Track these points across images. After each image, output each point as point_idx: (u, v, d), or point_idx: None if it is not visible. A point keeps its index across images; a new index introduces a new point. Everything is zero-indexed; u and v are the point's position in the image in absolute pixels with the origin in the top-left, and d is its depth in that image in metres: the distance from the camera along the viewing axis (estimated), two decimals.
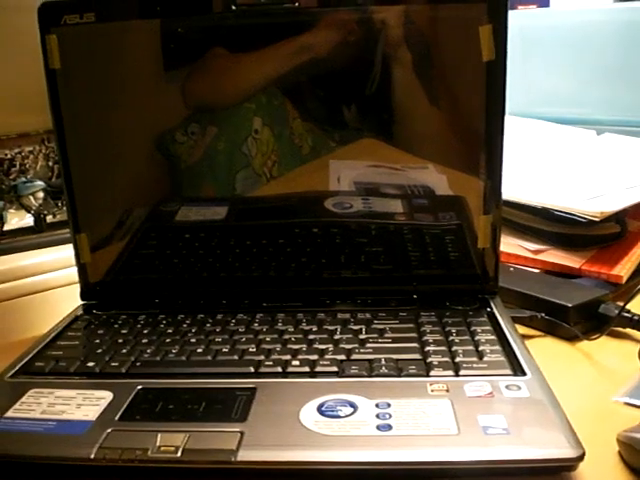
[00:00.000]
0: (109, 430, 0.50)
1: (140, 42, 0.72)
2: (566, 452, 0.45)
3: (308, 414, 0.50)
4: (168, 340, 0.64)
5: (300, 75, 0.71)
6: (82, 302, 0.75)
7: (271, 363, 0.59)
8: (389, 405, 0.51)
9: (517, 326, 0.67)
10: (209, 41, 0.71)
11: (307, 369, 0.58)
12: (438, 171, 0.71)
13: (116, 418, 0.52)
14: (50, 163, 0.97)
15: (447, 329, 0.64)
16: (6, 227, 0.90)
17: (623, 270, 0.79)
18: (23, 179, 0.93)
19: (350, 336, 0.63)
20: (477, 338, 0.62)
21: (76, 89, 0.72)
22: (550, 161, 0.93)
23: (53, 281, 0.82)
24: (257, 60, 0.71)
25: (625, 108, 1.01)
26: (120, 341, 0.65)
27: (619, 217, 0.84)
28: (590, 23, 1.04)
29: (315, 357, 0.59)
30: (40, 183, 0.93)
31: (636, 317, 0.70)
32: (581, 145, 0.96)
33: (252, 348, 0.62)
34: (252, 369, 0.58)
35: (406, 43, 0.68)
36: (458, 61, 0.70)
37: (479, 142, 0.68)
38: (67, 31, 0.70)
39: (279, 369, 0.58)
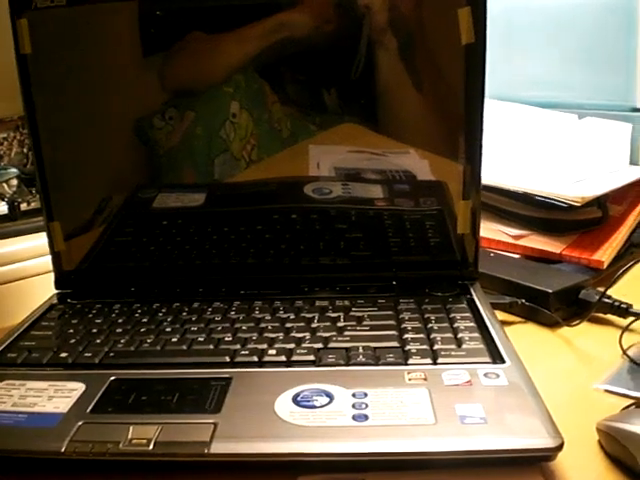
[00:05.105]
0: (80, 423, 0.49)
1: (114, 25, 0.71)
2: (544, 442, 0.45)
3: (283, 404, 0.50)
4: (143, 330, 0.63)
5: (278, 58, 0.70)
6: (56, 291, 0.74)
7: (247, 352, 0.58)
8: (366, 395, 0.50)
9: (497, 312, 0.67)
10: (186, 22, 0.69)
11: (283, 358, 0.57)
12: (418, 156, 0.70)
13: (88, 410, 0.51)
14: (25, 150, 0.96)
15: (426, 316, 0.63)
16: None
17: (604, 255, 0.79)
18: None
19: (328, 324, 0.62)
20: (456, 325, 0.61)
21: (48, 74, 0.70)
22: (531, 145, 0.92)
23: (28, 270, 0.81)
24: (235, 41, 0.70)
25: (607, 92, 1.00)
26: (94, 331, 0.64)
27: (600, 202, 0.84)
28: (573, 6, 1.03)
29: (292, 346, 0.59)
30: (14, 170, 0.91)
31: (617, 303, 0.69)
32: (562, 129, 0.95)
33: (228, 337, 0.61)
34: (227, 359, 0.57)
35: (386, 26, 0.67)
36: (438, 45, 0.69)
37: (459, 126, 0.68)
38: (38, 15, 0.69)
39: (255, 358, 0.57)
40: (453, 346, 0.57)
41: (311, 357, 0.57)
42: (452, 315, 0.63)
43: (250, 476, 0.47)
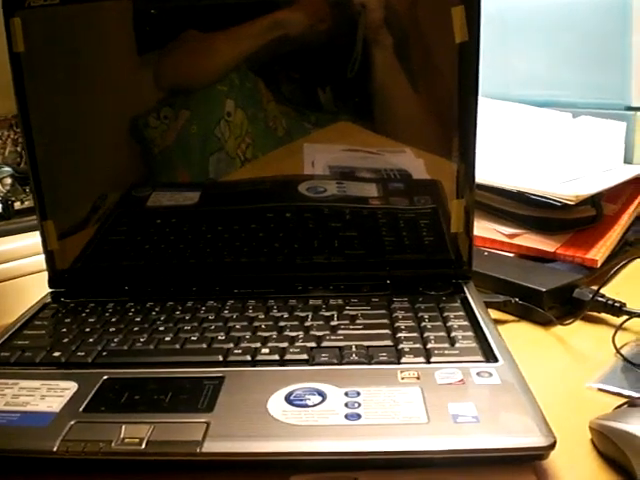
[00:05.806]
0: (73, 422, 0.49)
1: (108, 23, 0.71)
2: (537, 441, 0.45)
3: (276, 404, 0.50)
4: (136, 329, 0.63)
5: (274, 56, 0.70)
6: (50, 290, 0.74)
7: (240, 351, 0.58)
8: (358, 394, 0.50)
9: (491, 311, 0.67)
10: (181, 21, 0.69)
11: (277, 357, 0.57)
12: (413, 155, 0.70)
13: (80, 409, 0.51)
14: (19, 148, 0.96)
15: (419, 315, 0.63)
16: None
17: (598, 254, 0.79)
18: None
19: (321, 323, 0.62)
20: (449, 324, 0.61)
21: (42, 73, 0.70)
22: (525, 144, 0.92)
23: (21, 268, 0.81)
24: (230, 40, 0.69)
25: (601, 91, 1.01)
26: (87, 330, 0.64)
27: (595, 200, 0.84)
28: (568, 5, 1.03)
29: (285, 345, 0.59)
30: (7, 169, 0.91)
31: (610, 301, 0.69)
32: (557, 128, 0.95)
33: (221, 336, 0.61)
34: (221, 358, 0.57)
35: (381, 24, 0.67)
36: (433, 43, 0.69)
37: (452, 125, 0.68)
38: (31, 13, 0.68)
39: (248, 357, 0.57)
40: (446, 345, 0.57)
41: (304, 356, 0.57)
42: (445, 314, 0.63)
43: (242, 475, 0.47)
